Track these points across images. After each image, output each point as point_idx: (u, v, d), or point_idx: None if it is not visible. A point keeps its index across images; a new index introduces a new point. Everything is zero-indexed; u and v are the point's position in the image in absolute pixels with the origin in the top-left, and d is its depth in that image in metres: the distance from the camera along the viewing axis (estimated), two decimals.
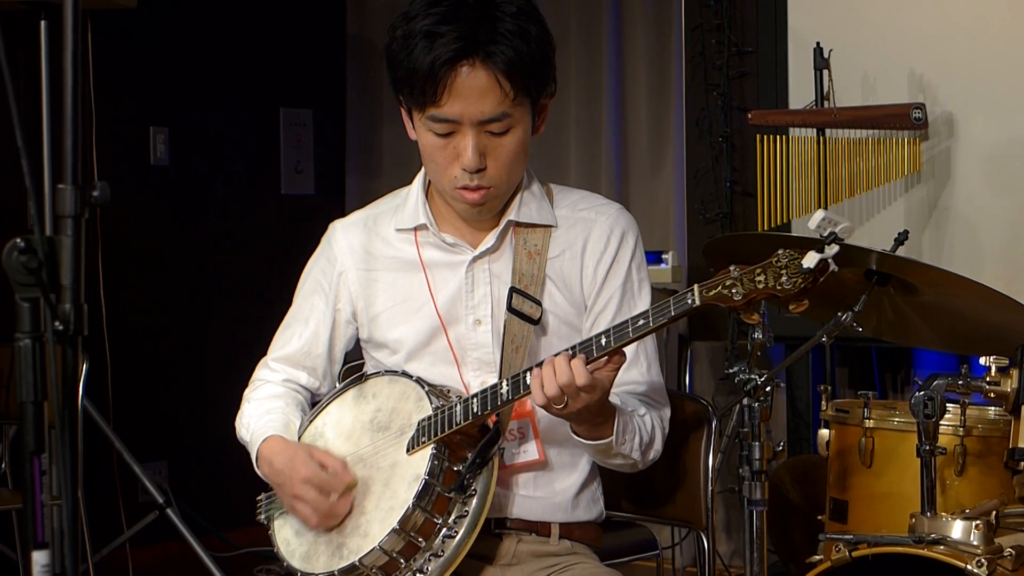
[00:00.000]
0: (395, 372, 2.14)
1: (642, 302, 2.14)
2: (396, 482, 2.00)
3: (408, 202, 2.17)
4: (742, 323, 3.83)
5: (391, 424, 2.08)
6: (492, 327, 2.10)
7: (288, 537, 2.12)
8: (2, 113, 1.41)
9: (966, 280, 2.26)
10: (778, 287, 1.80)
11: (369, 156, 5.28)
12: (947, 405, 2.27)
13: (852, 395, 3.78)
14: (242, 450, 2.22)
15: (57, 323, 1.26)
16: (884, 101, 3.56)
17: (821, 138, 3.57)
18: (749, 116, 3.63)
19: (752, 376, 2.18)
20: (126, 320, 4.40)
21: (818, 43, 3.58)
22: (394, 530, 1.94)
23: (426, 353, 2.13)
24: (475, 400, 1.98)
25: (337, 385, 2.24)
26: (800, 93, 3.71)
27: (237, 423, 2.24)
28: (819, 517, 2.65)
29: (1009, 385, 2.21)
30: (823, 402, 2.66)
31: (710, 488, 2.29)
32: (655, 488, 2.35)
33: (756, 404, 2.19)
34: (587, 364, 1.88)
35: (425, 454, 1.98)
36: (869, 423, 2.49)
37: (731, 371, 2.24)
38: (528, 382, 1.92)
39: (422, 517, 1.95)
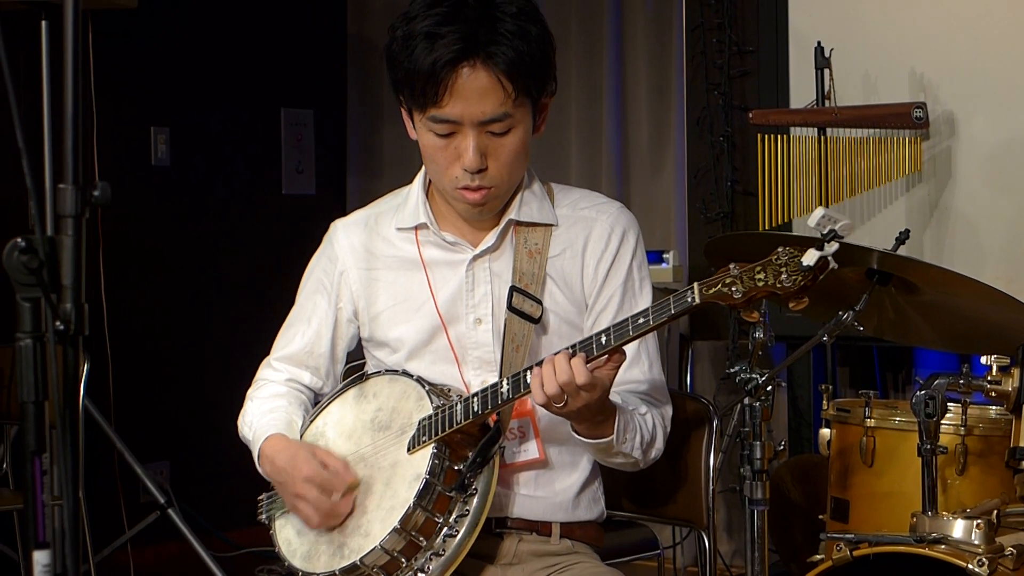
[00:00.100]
0: (396, 371, 2.14)
1: (643, 300, 2.14)
2: (397, 481, 2.00)
3: (409, 201, 2.17)
4: (743, 322, 3.82)
5: (392, 423, 2.08)
6: (493, 326, 2.10)
7: (289, 537, 2.12)
8: (3, 113, 1.42)
9: (967, 279, 2.26)
10: (778, 285, 1.80)
11: (370, 156, 5.28)
12: (948, 404, 2.27)
13: (853, 394, 3.78)
14: (243, 450, 2.22)
15: (58, 323, 1.26)
16: (885, 100, 3.56)
17: (822, 137, 3.57)
18: (750, 115, 3.62)
19: (753, 375, 2.18)
20: (127, 320, 4.40)
21: (819, 42, 3.58)
22: (395, 529, 1.94)
23: (427, 352, 2.14)
24: (475, 399, 1.98)
25: (339, 385, 2.24)
26: (801, 92, 3.71)
27: (240, 422, 2.24)
28: (820, 516, 2.65)
29: (1010, 384, 2.21)
30: (824, 401, 2.66)
31: (711, 487, 2.29)
32: (656, 488, 2.35)
33: (757, 403, 2.19)
34: (587, 363, 1.88)
35: (426, 453, 1.98)
36: (870, 422, 2.49)
37: (732, 370, 2.23)
38: (528, 381, 1.92)
39: (423, 516, 1.95)
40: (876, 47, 3.63)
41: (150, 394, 4.60)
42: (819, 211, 1.86)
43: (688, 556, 4.20)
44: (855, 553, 2.18)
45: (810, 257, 1.78)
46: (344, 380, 2.24)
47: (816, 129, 3.58)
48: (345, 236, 2.22)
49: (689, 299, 1.84)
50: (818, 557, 2.34)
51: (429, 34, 1.95)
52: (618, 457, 2.06)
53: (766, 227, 3.60)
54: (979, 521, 2.11)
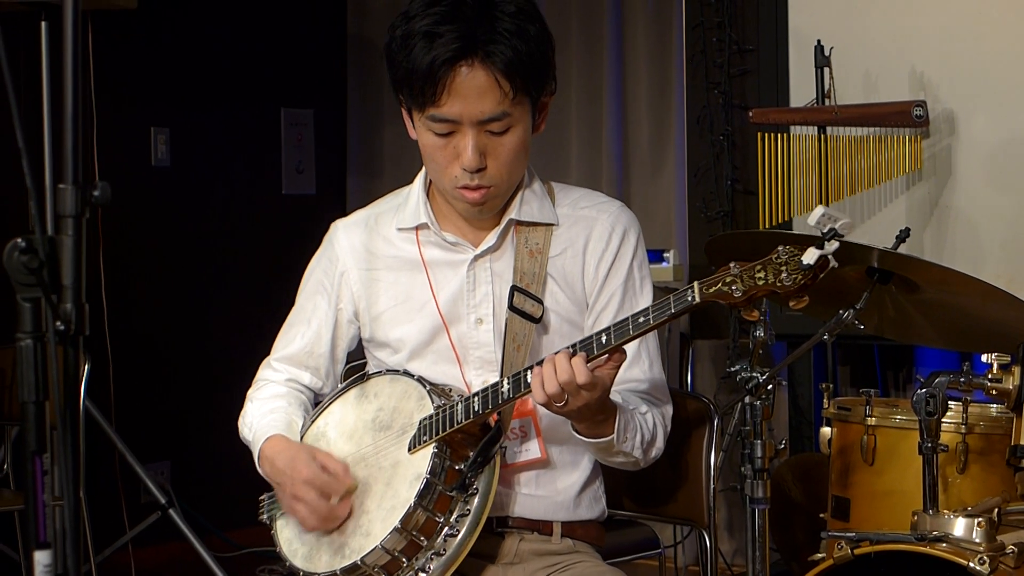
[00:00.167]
0: (397, 371, 2.14)
1: (644, 300, 2.14)
2: (398, 481, 2.00)
3: (409, 201, 2.17)
4: (744, 321, 3.83)
5: (393, 423, 2.08)
6: (494, 326, 2.10)
7: (290, 537, 2.12)
8: (3, 113, 1.42)
9: (968, 277, 2.26)
10: (778, 283, 1.80)
11: (370, 156, 5.28)
12: (949, 402, 2.27)
13: (854, 393, 3.79)
14: (244, 450, 2.22)
15: (58, 323, 1.26)
16: (885, 99, 3.56)
17: (822, 136, 3.57)
18: (750, 114, 3.62)
19: (754, 374, 2.18)
20: (128, 320, 4.40)
21: (819, 41, 3.58)
22: (396, 529, 1.94)
23: (428, 352, 2.14)
24: (476, 399, 1.98)
25: (340, 385, 2.24)
26: (801, 91, 3.71)
27: (240, 422, 2.24)
28: (821, 515, 2.65)
29: (1011, 382, 2.21)
30: (825, 400, 2.66)
31: (712, 486, 2.29)
32: (657, 487, 2.35)
33: (758, 402, 2.18)
34: (588, 362, 1.88)
35: (427, 453, 1.98)
36: (871, 421, 2.49)
37: (733, 369, 2.23)
38: (529, 380, 1.92)
39: (424, 516, 1.95)
40: (876, 46, 3.63)
41: (151, 394, 4.61)
42: (819, 209, 1.86)
43: (689, 555, 4.20)
44: (856, 551, 2.18)
45: (810, 256, 1.78)
46: (345, 380, 2.24)
47: (816, 128, 3.58)
48: (345, 236, 2.22)
49: (689, 298, 1.84)
50: (819, 556, 2.35)
51: (428, 33, 1.95)
52: (619, 456, 2.06)
53: (766, 226, 3.60)
54: (980, 519, 2.11)
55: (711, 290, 1.83)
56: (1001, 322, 2.32)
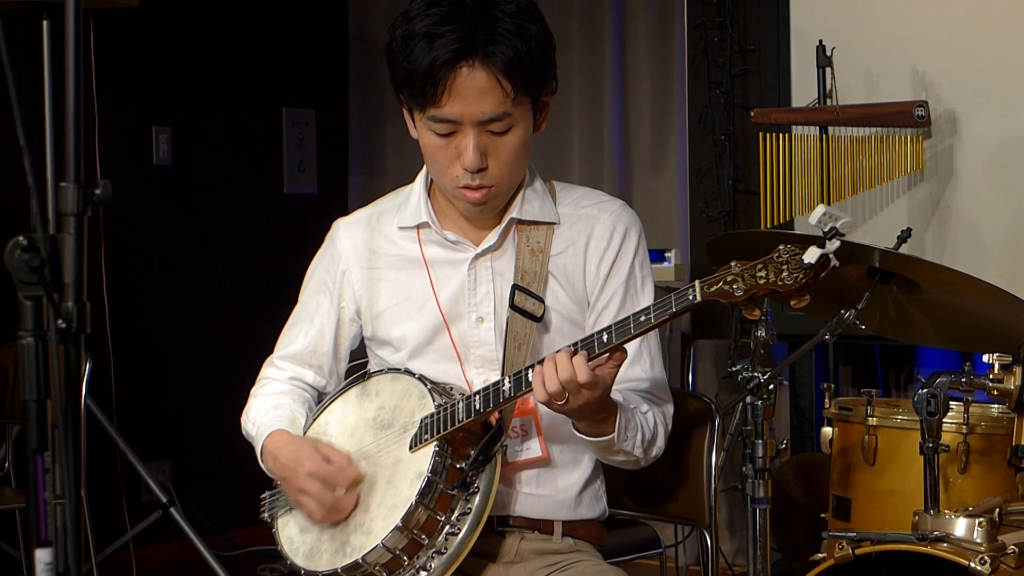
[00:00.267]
0: (398, 370, 2.14)
1: (645, 299, 2.14)
2: (399, 480, 2.00)
3: (411, 200, 2.17)
4: (745, 321, 3.82)
5: (394, 422, 2.08)
6: (495, 324, 2.10)
7: (291, 535, 2.12)
8: (5, 111, 1.42)
9: (969, 277, 2.26)
10: (779, 282, 1.80)
11: (372, 155, 5.28)
12: (950, 403, 2.27)
13: (855, 393, 3.79)
14: (246, 449, 2.23)
15: (60, 321, 1.27)
16: (887, 99, 3.56)
17: (824, 136, 3.57)
18: (752, 114, 3.62)
19: (755, 374, 2.18)
20: (129, 319, 4.40)
21: (821, 41, 3.58)
22: (397, 527, 1.94)
23: (429, 351, 2.14)
24: (477, 397, 1.98)
25: (342, 383, 2.24)
26: (803, 91, 3.71)
27: (243, 419, 2.24)
28: (822, 515, 2.65)
29: (1012, 382, 2.21)
30: (826, 400, 2.66)
31: (713, 486, 2.29)
32: (658, 486, 2.35)
33: (759, 402, 2.19)
34: (589, 360, 1.88)
35: (428, 451, 1.98)
36: (872, 421, 2.49)
37: (734, 369, 2.24)
38: (530, 379, 1.92)
39: (425, 514, 1.95)
40: (878, 45, 3.63)
41: (152, 393, 4.61)
42: (820, 208, 1.86)
43: (690, 555, 4.20)
44: (857, 551, 2.18)
45: (811, 255, 1.78)
46: (347, 379, 2.25)
47: (818, 128, 3.58)
48: (347, 235, 2.22)
49: (690, 297, 1.84)
50: (820, 555, 2.35)
51: (428, 34, 1.95)
52: (619, 455, 2.06)
53: (768, 226, 3.60)
54: (981, 519, 2.11)
55: (712, 289, 1.83)
56: (1002, 322, 2.32)
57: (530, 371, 1.93)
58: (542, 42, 2.00)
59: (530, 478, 2.12)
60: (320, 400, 2.25)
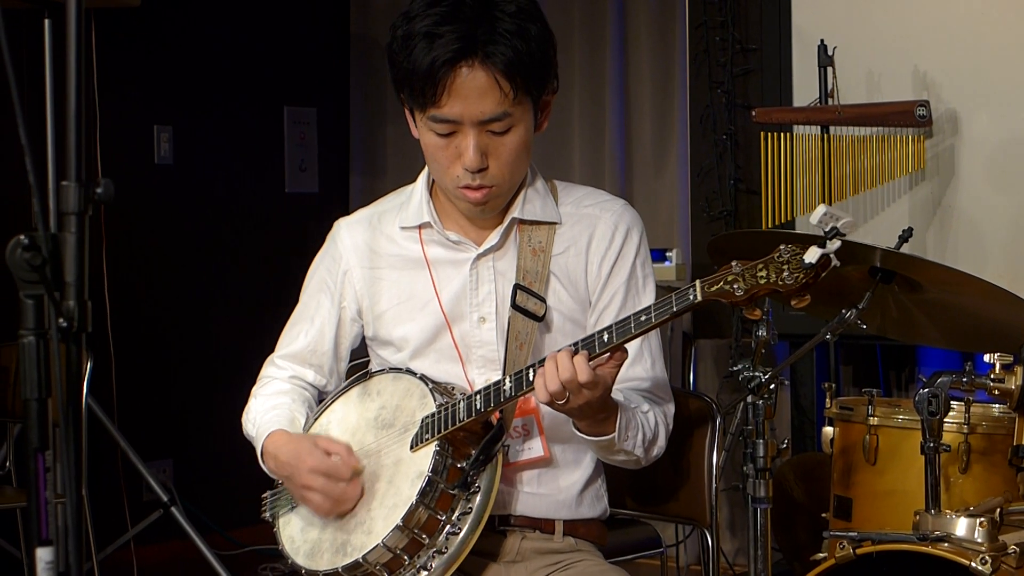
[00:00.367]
0: (399, 369, 2.14)
1: (646, 298, 2.13)
2: (400, 479, 2.00)
3: (412, 200, 2.17)
4: (746, 321, 3.82)
5: (395, 421, 2.08)
6: (496, 324, 2.10)
7: (293, 535, 2.12)
8: (6, 110, 1.42)
9: (970, 277, 2.26)
10: (780, 282, 1.80)
11: (373, 154, 5.28)
12: (951, 402, 2.27)
13: (856, 393, 3.79)
14: (247, 448, 2.23)
15: (61, 320, 1.27)
16: (888, 98, 3.56)
17: (825, 135, 3.57)
18: (753, 113, 3.62)
19: (756, 374, 2.18)
20: (130, 318, 4.40)
21: (822, 40, 3.58)
22: (398, 527, 1.94)
23: (431, 350, 2.14)
24: (478, 397, 1.98)
25: (343, 383, 2.24)
26: (804, 90, 3.71)
27: (243, 419, 2.24)
28: (823, 515, 2.65)
29: (1013, 382, 2.21)
30: (827, 399, 2.66)
31: (714, 486, 2.29)
32: (659, 486, 2.35)
33: (760, 402, 2.19)
34: (590, 360, 1.88)
35: (429, 451, 1.98)
36: (873, 420, 2.49)
37: (735, 369, 2.24)
38: (531, 378, 1.92)
39: (426, 514, 1.95)
40: (879, 45, 3.63)
41: (153, 392, 4.61)
42: (821, 208, 1.86)
43: (691, 554, 4.20)
44: (858, 551, 2.18)
45: (812, 254, 1.78)
46: (348, 378, 2.25)
47: (819, 127, 3.58)
48: (349, 235, 2.22)
49: (691, 296, 1.84)
50: (821, 555, 2.35)
51: (428, 34, 1.95)
52: (620, 455, 2.06)
53: (769, 225, 3.60)
54: (982, 519, 2.11)
55: (713, 288, 1.83)
56: (1003, 322, 2.32)
57: (531, 371, 1.93)
58: (542, 42, 2.00)
59: (531, 477, 2.12)
60: (321, 399, 2.25)
